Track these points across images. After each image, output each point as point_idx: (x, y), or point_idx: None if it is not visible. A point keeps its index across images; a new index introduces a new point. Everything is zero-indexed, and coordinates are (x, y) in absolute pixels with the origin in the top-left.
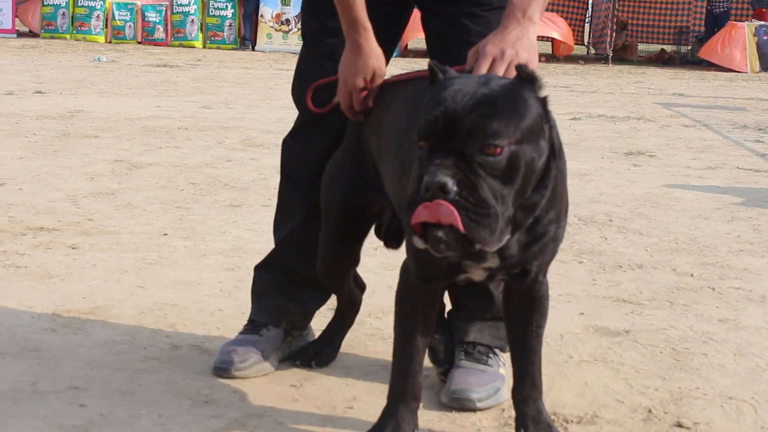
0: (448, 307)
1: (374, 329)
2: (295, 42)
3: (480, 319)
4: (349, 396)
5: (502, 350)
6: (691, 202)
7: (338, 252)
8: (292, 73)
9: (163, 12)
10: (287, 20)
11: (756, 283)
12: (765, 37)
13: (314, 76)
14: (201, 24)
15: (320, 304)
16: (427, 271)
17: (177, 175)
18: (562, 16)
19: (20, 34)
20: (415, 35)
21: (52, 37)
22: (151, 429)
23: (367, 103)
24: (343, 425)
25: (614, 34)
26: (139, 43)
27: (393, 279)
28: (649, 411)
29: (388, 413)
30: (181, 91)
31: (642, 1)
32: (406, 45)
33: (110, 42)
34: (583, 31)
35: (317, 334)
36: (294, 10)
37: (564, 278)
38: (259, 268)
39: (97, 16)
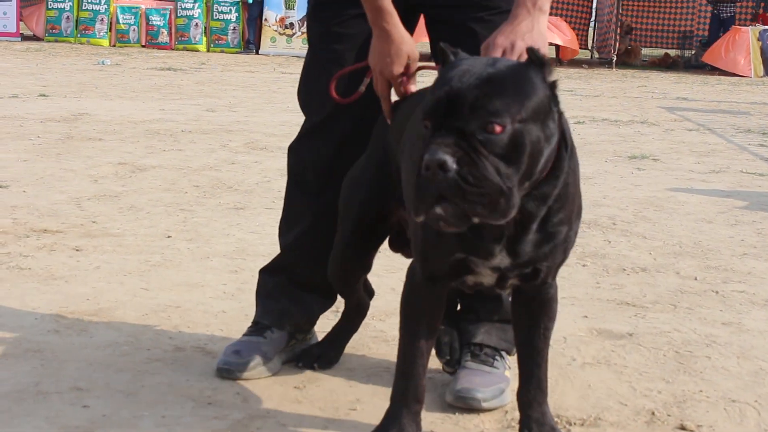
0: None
1: (377, 331)
2: (299, 45)
3: (488, 321)
4: (353, 398)
5: (509, 353)
6: (694, 205)
7: (352, 258)
8: (296, 76)
9: (167, 16)
10: (291, 24)
11: (759, 286)
12: None
13: (320, 81)
14: (205, 28)
15: (325, 308)
16: (433, 269)
17: (181, 177)
18: (566, 21)
19: (24, 38)
20: (419, 39)
21: (57, 41)
22: (154, 430)
23: (408, 89)
24: (346, 427)
25: (618, 38)
26: (143, 46)
27: (396, 282)
28: (653, 414)
29: (390, 415)
30: (184, 95)
31: (646, 5)
32: None
33: (114, 45)
34: (587, 36)
35: (320, 337)
36: (298, 13)
37: (567, 281)
38: (263, 272)
39: (102, 19)
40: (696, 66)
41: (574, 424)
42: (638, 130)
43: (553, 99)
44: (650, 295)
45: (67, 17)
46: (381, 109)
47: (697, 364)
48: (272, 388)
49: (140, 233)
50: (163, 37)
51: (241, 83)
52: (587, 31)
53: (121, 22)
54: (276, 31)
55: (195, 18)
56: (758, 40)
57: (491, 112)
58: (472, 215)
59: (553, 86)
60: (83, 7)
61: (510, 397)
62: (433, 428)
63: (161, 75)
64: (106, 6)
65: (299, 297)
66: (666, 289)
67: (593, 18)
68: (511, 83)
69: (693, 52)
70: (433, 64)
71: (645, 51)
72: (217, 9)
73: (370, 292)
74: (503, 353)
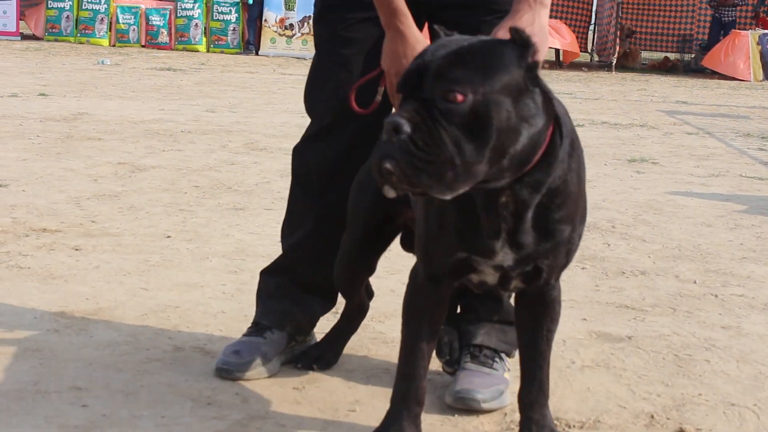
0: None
1: (377, 333)
2: (299, 46)
3: (488, 321)
4: (352, 399)
5: (508, 355)
6: (694, 209)
7: (359, 260)
8: (296, 77)
9: (167, 16)
10: (291, 25)
11: (759, 290)
12: None
13: (327, 85)
14: (205, 28)
15: (326, 310)
16: (435, 269)
17: (180, 178)
18: (566, 23)
19: (24, 37)
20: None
21: (56, 40)
22: (153, 430)
23: None
24: (345, 428)
25: (619, 41)
26: (143, 46)
27: (396, 283)
28: (652, 417)
29: (390, 417)
30: (184, 95)
31: (646, 9)
32: None
33: (114, 45)
34: (586, 38)
35: (319, 339)
36: (298, 14)
37: (567, 284)
38: (265, 273)
39: (101, 19)
40: (695, 70)
41: (573, 426)
42: (638, 134)
43: (530, 79)
44: (649, 298)
45: (67, 17)
46: (390, 113)
47: (697, 368)
48: (271, 389)
49: (140, 233)
50: (163, 38)
51: (241, 84)
52: (587, 34)
53: (121, 21)
54: (276, 32)
55: (195, 18)
56: (758, 44)
57: (452, 80)
58: (417, 183)
59: (531, 66)
60: (83, 7)
61: (509, 398)
62: (433, 429)
63: (161, 75)
64: (106, 6)
65: (301, 298)
66: (665, 293)
67: (593, 21)
68: (479, 56)
69: (692, 55)
70: None
71: (645, 54)
72: (217, 9)
73: (370, 293)
74: (503, 355)
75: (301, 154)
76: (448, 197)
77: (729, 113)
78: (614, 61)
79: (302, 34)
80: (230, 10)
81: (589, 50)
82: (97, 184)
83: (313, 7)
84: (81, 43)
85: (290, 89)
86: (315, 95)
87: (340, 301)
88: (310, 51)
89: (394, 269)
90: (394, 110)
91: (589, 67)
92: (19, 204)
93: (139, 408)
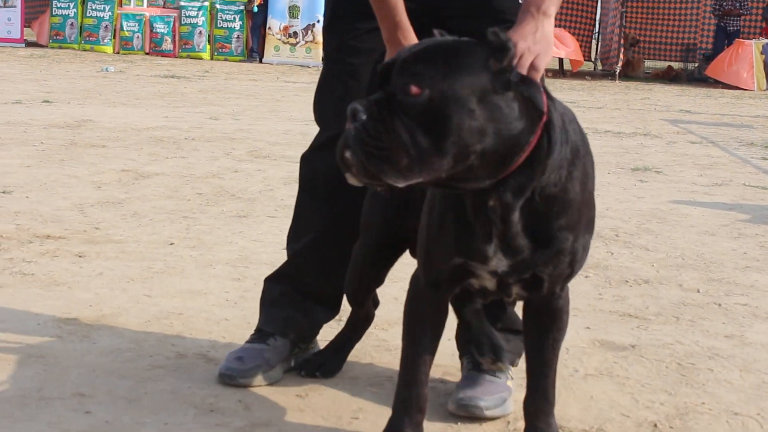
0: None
1: (380, 340)
2: (303, 54)
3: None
4: (355, 407)
5: (511, 363)
6: (697, 218)
7: (369, 270)
8: (300, 85)
9: (171, 23)
10: (295, 33)
11: (762, 299)
12: None
13: (335, 94)
14: (209, 36)
15: (330, 318)
16: (434, 275)
17: (184, 185)
18: (570, 32)
19: (28, 44)
20: None
21: (60, 47)
22: None
23: None
24: None
25: (622, 50)
26: (147, 54)
27: (399, 291)
28: (655, 425)
29: (392, 424)
30: (188, 102)
31: (649, 17)
32: None
33: (118, 53)
34: (590, 47)
35: (322, 346)
36: (302, 23)
37: (570, 292)
38: (269, 281)
39: (106, 26)
40: (699, 79)
41: None
42: (641, 143)
43: (500, 82)
44: (653, 307)
45: (72, 24)
46: None
47: (700, 377)
48: (274, 396)
49: (143, 240)
50: (167, 45)
51: (245, 91)
52: (590, 42)
53: (125, 29)
54: (279, 39)
55: (199, 26)
56: (761, 53)
57: (413, 74)
58: (370, 168)
59: (502, 70)
60: (87, 14)
61: (512, 406)
62: None
63: (165, 82)
64: (110, 13)
65: (305, 305)
66: (669, 302)
67: (597, 30)
68: (445, 53)
69: (696, 65)
70: None
71: (648, 63)
72: (221, 17)
73: (376, 302)
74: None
75: (309, 162)
76: (402, 185)
77: (732, 122)
78: (618, 70)
79: (306, 42)
80: (234, 18)
81: (593, 59)
82: (100, 191)
83: (316, 15)
84: (85, 50)
85: (294, 97)
86: (324, 104)
87: (344, 309)
88: (313, 59)
89: (397, 277)
90: None
91: (593, 75)
92: (22, 210)
93: (142, 415)
